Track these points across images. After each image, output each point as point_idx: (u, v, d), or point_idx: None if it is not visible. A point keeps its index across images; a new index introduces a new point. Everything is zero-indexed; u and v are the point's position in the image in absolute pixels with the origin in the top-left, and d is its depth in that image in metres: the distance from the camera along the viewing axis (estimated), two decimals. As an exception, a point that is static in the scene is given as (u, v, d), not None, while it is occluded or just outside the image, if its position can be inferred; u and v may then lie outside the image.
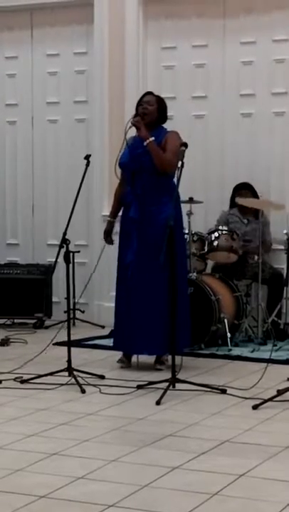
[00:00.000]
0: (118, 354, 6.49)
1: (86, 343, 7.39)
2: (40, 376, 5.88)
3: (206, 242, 7.39)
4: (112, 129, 8.22)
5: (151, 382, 5.72)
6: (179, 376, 5.60)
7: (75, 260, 8.19)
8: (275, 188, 7.93)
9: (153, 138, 6.20)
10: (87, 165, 6.31)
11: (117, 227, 6.51)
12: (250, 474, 3.95)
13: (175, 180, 5.93)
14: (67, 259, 5.96)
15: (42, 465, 4.11)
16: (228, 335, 7.05)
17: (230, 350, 7.00)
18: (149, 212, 6.22)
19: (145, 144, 6.20)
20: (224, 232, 7.40)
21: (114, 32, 8.30)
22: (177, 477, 3.92)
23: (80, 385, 5.63)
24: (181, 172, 5.72)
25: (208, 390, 5.59)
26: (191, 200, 7.31)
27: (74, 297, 8.12)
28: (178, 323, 5.84)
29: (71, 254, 6.98)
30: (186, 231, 7.06)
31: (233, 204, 7.82)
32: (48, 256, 8.62)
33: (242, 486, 3.79)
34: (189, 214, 7.23)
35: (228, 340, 7.04)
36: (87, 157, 6.33)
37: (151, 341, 6.21)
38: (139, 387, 5.69)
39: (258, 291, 7.31)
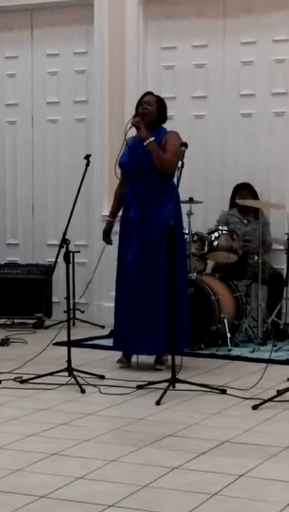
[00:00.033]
0: (118, 354, 6.49)
1: (86, 343, 7.39)
2: (40, 376, 5.88)
3: (206, 242, 7.39)
4: (112, 129, 8.22)
5: (151, 383, 5.72)
6: (179, 376, 5.60)
7: (75, 260, 8.19)
8: (275, 188, 7.93)
9: (153, 138, 6.20)
10: (87, 165, 6.31)
11: (116, 227, 6.51)
12: (250, 474, 3.95)
13: (175, 180, 5.92)
14: (67, 259, 5.96)
15: (42, 465, 4.11)
16: (228, 335, 7.05)
17: (230, 350, 7.00)
18: (149, 212, 6.22)
19: (145, 144, 6.20)
20: (224, 232, 7.40)
21: (114, 32, 8.30)
22: (177, 477, 3.92)
23: (79, 385, 5.63)
24: (181, 172, 5.72)
25: (208, 390, 5.59)
26: (191, 200, 7.31)
27: (74, 297, 8.12)
28: (178, 324, 5.84)
29: (71, 254, 6.98)
30: (186, 231, 7.06)
31: (233, 204, 7.82)
32: (48, 256, 8.61)
33: (242, 486, 3.79)
34: (189, 214, 7.23)
35: (228, 340, 7.04)
36: (87, 157, 6.33)
37: (151, 341, 6.21)
38: (139, 387, 5.69)
39: (258, 292, 7.31)
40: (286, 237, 7.31)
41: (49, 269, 8.19)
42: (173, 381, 5.55)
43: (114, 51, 8.31)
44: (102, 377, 5.97)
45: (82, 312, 8.33)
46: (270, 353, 6.07)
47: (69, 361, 5.88)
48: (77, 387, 5.62)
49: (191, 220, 7.25)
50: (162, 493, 3.72)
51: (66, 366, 5.88)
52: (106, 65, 8.34)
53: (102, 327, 8.07)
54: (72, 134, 8.73)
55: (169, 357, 5.88)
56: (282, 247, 7.48)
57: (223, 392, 5.56)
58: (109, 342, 6.78)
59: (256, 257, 7.30)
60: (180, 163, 5.74)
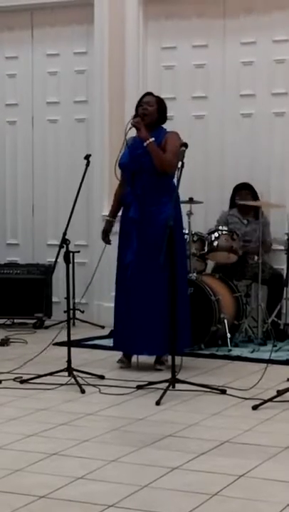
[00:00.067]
0: (118, 354, 6.49)
1: (86, 343, 7.39)
2: (40, 376, 5.88)
3: (206, 243, 7.39)
4: (112, 129, 8.22)
5: (151, 383, 5.72)
6: (179, 376, 5.60)
7: (75, 260, 8.19)
8: (275, 188, 7.93)
9: (153, 139, 6.20)
10: (87, 165, 6.31)
11: (116, 228, 6.50)
12: (249, 475, 3.95)
13: (175, 180, 5.92)
14: (67, 259, 5.96)
15: (42, 465, 4.11)
16: (228, 335, 7.05)
17: (230, 350, 7.00)
18: (149, 212, 6.22)
19: (145, 144, 6.20)
20: (224, 232, 7.40)
21: (114, 32, 8.30)
22: (177, 477, 3.92)
23: (79, 385, 5.63)
24: (181, 172, 5.72)
25: (208, 390, 5.59)
26: (191, 201, 7.31)
27: (74, 297, 8.12)
28: (178, 324, 5.84)
29: (71, 254, 6.99)
30: (186, 231, 7.06)
31: (233, 204, 7.82)
32: (48, 256, 8.62)
33: (242, 487, 3.79)
34: (189, 214, 7.23)
35: (228, 340, 7.04)
36: (87, 157, 6.33)
37: (151, 341, 6.21)
38: (139, 387, 5.69)
39: (258, 292, 7.31)
40: (286, 237, 7.31)
41: (49, 269, 8.19)
42: (173, 381, 5.55)
43: (114, 51, 8.31)
44: (102, 377, 5.97)
45: (82, 312, 8.33)
46: (270, 353, 6.07)
47: (69, 361, 5.88)
48: (77, 387, 5.62)
49: (191, 220, 7.25)
50: (162, 493, 3.72)
51: (66, 366, 5.88)
52: (106, 65, 8.34)
53: (102, 327, 8.07)
54: (72, 134, 8.73)
55: (169, 357, 5.88)
56: (282, 247, 7.48)
57: (223, 392, 5.56)
58: (109, 342, 6.79)
59: (256, 257, 7.30)
60: (180, 163, 5.74)
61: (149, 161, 6.20)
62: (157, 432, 4.69)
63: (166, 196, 6.17)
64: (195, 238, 7.35)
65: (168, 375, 5.65)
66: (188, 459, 4.19)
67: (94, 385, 5.72)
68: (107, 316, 7.40)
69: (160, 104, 6.37)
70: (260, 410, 5.12)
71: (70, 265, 6.42)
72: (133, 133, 6.29)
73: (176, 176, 5.89)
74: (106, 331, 7.68)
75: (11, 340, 7.48)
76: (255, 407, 5.15)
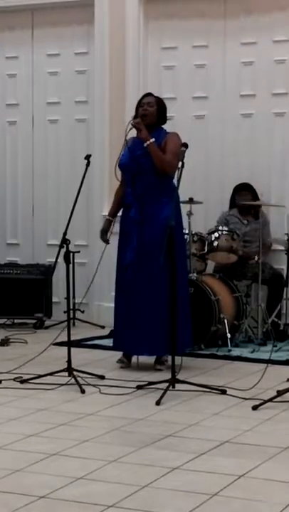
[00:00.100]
0: (118, 354, 6.49)
1: (86, 343, 7.39)
2: (40, 376, 5.88)
3: (206, 243, 7.39)
4: (112, 129, 8.22)
5: (151, 383, 5.72)
6: (179, 376, 5.60)
7: (75, 260, 8.19)
8: (275, 189, 7.93)
9: (153, 139, 6.21)
10: (88, 165, 6.32)
11: (116, 228, 6.50)
12: (250, 475, 3.95)
13: (175, 181, 5.92)
14: (67, 259, 5.96)
15: (42, 465, 4.11)
16: (228, 335, 7.05)
17: (230, 350, 7.00)
18: (150, 212, 6.22)
19: (145, 145, 6.20)
20: (224, 232, 7.40)
21: (114, 32, 8.30)
22: (177, 477, 3.92)
23: (79, 385, 5.63)
24: (181, 173, 5.72)
25: (208, 390, 5.59)
26: (191, 201, 7.31)
27: (74, 297, 8.12)
28: (179, 324, 5.84)
29: (71, 254, 6.99)
30: (186, 231, 7.06)
31: (233, 204, 7.83)
32: (48, 256, 8.62)
33: (242, 487, 3.79)
34: (189, 214, 7.23)
35: (228, 340, 7.04)
36: (88, 157, 6.34)
37: (152, 342, 6.21)
38: (139, 387, 5.69)
39: (258, 292, 7.31)
40: (286, 237, 7.32)
41: (49, 269, 8.19)
42: (173, 381, 5.55)
43: (114, 51, 8.31)
44: (102, 377, 5.97)
45: (82, 312, 8.33)
46: (270, 353, 6.08)
47: (69, 361, 5.88)
48: (77, 387, 5.62)
49: (191, 221, 7.25)
50: (162, 493, 3.72)
51: (66, 366, 5.88)
52: (106, 65, 8.35)
53: (102, 327, 8.07)
54: (73, 134, 8.73)
55: (169, 357, 5.88)
56: (282, 247, 7.48)
57: (223, 392, 5.56)
58: (109, 342, 6.79)
59: (256, 258, 7.30)
60: (180, 163, 5.74)
61: (150, 162, 6.20)
62: (157, 432, 4.69)
63: (166, 196, 6.16)
64: (195, 238, 7.35)
65: (168, 375, 5.65)
66: (188, 459, 4.19)
67: (94, 385, 5.72)
68: (107, 316, 7.41)
69: (160, 105, 6.36)
70: (260, 410, 5.12)
71: (70, 265, 6.42)
72: (133, 133, 6.29)
73: (176, 176, 5.89)
74: (106, 331, 7.68)
75: (11, 340, 7.48)
76: (255, 408, 5.15)
